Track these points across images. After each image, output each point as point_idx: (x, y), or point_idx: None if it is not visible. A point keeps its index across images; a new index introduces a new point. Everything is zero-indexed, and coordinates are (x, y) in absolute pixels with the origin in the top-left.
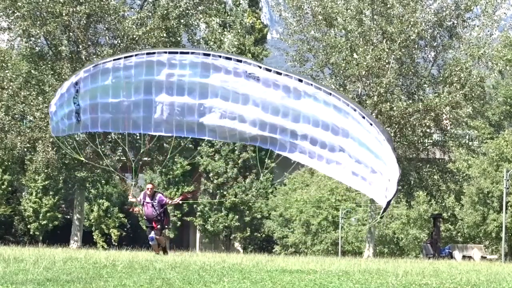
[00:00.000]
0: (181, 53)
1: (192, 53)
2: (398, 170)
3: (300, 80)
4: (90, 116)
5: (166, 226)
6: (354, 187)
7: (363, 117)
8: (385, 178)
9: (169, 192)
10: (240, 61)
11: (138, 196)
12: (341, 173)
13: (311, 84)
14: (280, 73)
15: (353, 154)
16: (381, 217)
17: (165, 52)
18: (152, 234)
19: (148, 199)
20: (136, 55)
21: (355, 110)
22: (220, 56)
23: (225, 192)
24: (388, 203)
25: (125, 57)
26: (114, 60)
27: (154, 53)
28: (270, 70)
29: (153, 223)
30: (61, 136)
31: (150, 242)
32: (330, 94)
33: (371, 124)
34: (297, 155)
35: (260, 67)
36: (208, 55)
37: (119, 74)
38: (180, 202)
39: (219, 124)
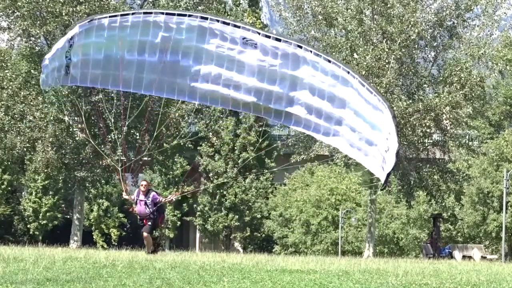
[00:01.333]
0: (179, 15)
1: (190, 16)
2: (397, 141)
3: (300, 46)
4: (80, 71)
5: (161, 225)
6: (352, 157)
7: (363, 85)
8: (382, 149)
9: (169, 192)
10: (238, 26)
11: (132, 195)
12: (338, 143)
13: (311, 51)
14: (279, 40)
15: (350, 124)
16: (381, 190)
17: (162, 13)
18: (143, 229)
19: (141, 197)
20: (133, 13)
21: (354, 78)
22: (217, 21)
23: (225, 192)
24: (388, 175)
25: (122, 15)
26: (110, 17)
27: (151, 13)
28: (269, 37)
29: (145, 221)
30: (49, 88)
31: (144, 241)
32: (330, 61)
33: (371, 93)
34: (293, 124)
35: (259, 33)
36: (206, 18)
37: (114, 32)
38: (174, 199)
39: (211, 89)
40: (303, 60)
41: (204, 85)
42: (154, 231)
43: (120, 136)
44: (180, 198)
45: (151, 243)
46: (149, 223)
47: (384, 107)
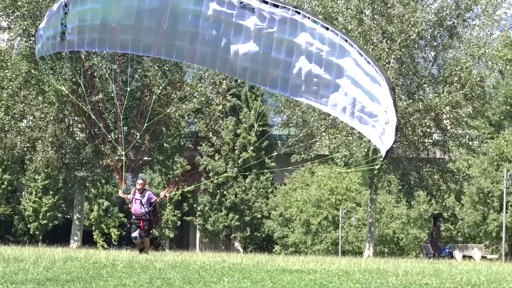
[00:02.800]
0: None
1: None
2: (396, 116)
3: (298, 12)
4: (77, 36)
5: (155, 226)
6: (352, 126)
7: (361, 55)
8: (382, 121)
9: (172, 193)
10: None
11: (128, 194)
12: (337, 112)
13: (309, 17)
14: (277, 5)
15: (348, 93)
16: (381, 165)
17: None
18: (136, 233)
19: (137, 195)
20: None
21: (353, 47)
22: None
23: (225, 192)
24: (387, 152)
25: None
26: None
27: None
28: (267, 3)
29: (141, 222)
30: (44, 55)
31: (134, 240)
32: (328, 29)
33: (369, 63)
34: (289, 93)
35: None
36: None
37: None
38: (167, 194)
39: (210, 53)
40: (301, 27)
41: (202, 48)
42: (150, 232)
43: (120, 136)
44: (180, 198)
45: (148, 245)
46: (146, 227)
47: (382, 80)
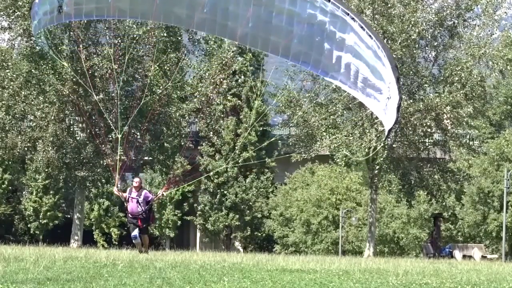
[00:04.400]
0: None
1: None
2: (398, 94)
3: None
4: (74, 7)
5: (151, 223)
6: (355, 96)
7: (363, 29)
8: (384, 96)
9: (170, 192)
10: None
11: (123, 192)
12: (339, 82)
13: None
14: None
15: (351, 65)
16: (384, 141)
17: None
18: (136, 232)
19: (134, 194)
20: None
21: (355, 20)
22: None
23: (225, 192)
24: (389, 131)
25: None
26: None
27: None
28: None
29: (138, 221)
30: (42, 29)
31: (133, 241)
32: (329, 0)
33: (371, 38)
34: (290, 59)
35: None
36: None
37: None
38: (165, 194)
39: (209, 18)
40: None
41: (201, 14)
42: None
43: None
44: (180, 197)
45: (147, 241)
46: (144, 225)
47: (384, 56)
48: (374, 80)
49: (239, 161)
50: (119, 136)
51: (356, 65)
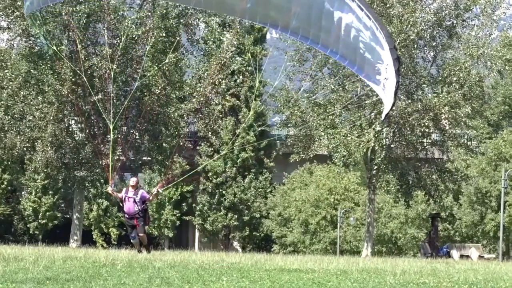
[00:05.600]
0: None
1: None
2: (396, 77)
3: None
4: None
5: (148, 223)
6: (354, 72)
7: (362, 10)
8: (382, 76)
9: (168, 192)
10: None
11: (120, 192)
12: (339, 57)
13: None
14: None
15: (348, 43)
16: (383, 121)
17: None
18: (134, 233)
19: (130, 193)
20: None
21: (353, 0)
22: None
23: (224, 192)
24: (387, 114)
25: None
26: None
27: None
28: None
29: (135, 220)
30: (35, 9)
31: (132, 241)
32: None
33: (369, 18)
34: (290, 34)
35: None
36: None
37: None
38: (161, 190)
39: None
40: None
41: None
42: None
43: (120, 136)
44: (179, 198)
45: (145, 240)
46: (141, 223)
47: (383, 37)
48: (373, 60)
49: (236, 147)
50: (111, 126)
51: (354, 44)
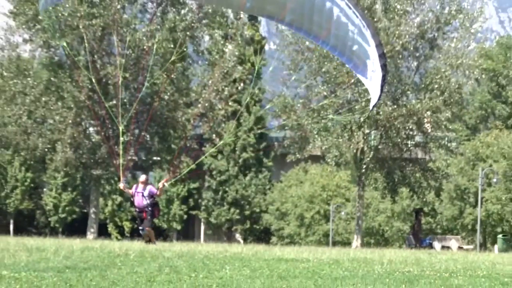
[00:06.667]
0: None
1: None
2: (382, 70)
3: None
4: None
5: (157, 216)
6: (344, 62)
7: (350, 8)
8: (370, 69)
9: (177, 189)
10: None
11: (130, 188)
12: (329, 48)
13: None
14: None
15: (337, 35)
16: (368, 114)
17: None
18: (143, 226)
19: (140, 189)
20: None
21: None
22: None
23: (227, 189)
24: (374, 106)
25: None
26: None
27: None
28: None
29: (144, 213)
30: (49, 6)
31: (140, 232)
32: None
33: (357, 17)
34: (286, 24)
35: None
36: None
37: None
38: (166, 184)
39: None
40: None
41: None
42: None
43: (132, 138)
44: (186, 194)
45: (152, 234)
46: (148, 216)
47: (369, 34)
48: (360, 54)
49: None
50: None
51: (343, 38)
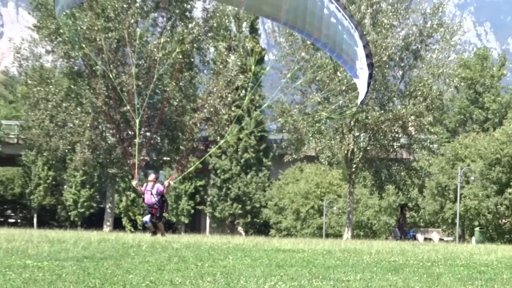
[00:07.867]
0: None
1: None
2: (368, 69)
3: None
4: None
5: (165, 210)
6: (334, 57)
7: (339, 11)
8: (358, 66)
9: (185, 186)
10: None
11: (141, 186)
12: (321, 46)
13: None
14: None
15: (328, 35)
16: (356, 110)
17: None
18: (147, 218)
19: (149, 187)
20: None
21: (331, 2)
22: None
23: (230, 186)
24: (362, 102)
25: None
26: None
27: None
28: None
29: (153, 210)
30: (65, 9)
31: (145, 225)
32: None
33: (346, 19)
34: (283, 23)
35: None
36: None
37: None
38: (172, 182)
39: None
40: None
41: None
42: (162, 217)
43: (144, 140)
44: (193, 191)
45: (162, 227)
46: (157, 213)
47: (357, 36)
48: (349, 52)
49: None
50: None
51: (333, 37)
